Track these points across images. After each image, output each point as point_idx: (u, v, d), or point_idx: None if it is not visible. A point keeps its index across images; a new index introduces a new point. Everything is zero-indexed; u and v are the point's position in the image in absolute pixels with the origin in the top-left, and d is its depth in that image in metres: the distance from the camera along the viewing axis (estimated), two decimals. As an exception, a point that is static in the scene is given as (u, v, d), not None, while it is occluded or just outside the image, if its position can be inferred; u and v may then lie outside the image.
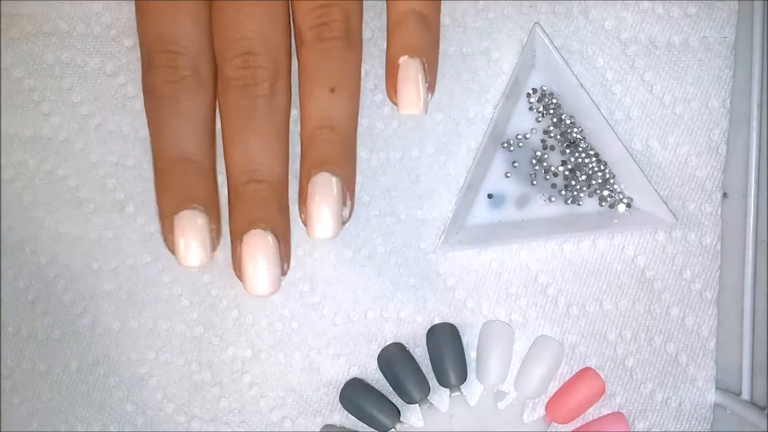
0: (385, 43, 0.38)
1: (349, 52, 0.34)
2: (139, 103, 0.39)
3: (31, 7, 0.39)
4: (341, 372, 0.39)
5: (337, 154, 0.33)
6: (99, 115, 0.39)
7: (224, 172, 0.35)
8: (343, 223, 0.33)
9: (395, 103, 0.34)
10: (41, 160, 0.39)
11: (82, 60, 0.39)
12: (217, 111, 0.35)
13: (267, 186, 0.33)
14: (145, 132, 0.39)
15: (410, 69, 0.33)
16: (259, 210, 0.33)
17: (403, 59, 0.33)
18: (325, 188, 0.32)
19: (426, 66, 0.34)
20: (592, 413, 0.39)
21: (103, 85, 0.39)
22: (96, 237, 0.39)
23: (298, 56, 0.35)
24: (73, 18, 0.39)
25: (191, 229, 0.32)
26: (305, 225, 0.33)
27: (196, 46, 0.34)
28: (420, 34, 0.34)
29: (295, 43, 0.35)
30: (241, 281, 0.33)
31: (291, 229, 0.35)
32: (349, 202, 0.34)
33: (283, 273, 0.33)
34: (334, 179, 0.33)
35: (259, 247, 0.32)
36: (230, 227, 0.34)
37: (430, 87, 0.34)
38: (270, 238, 0.32)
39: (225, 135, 0.34)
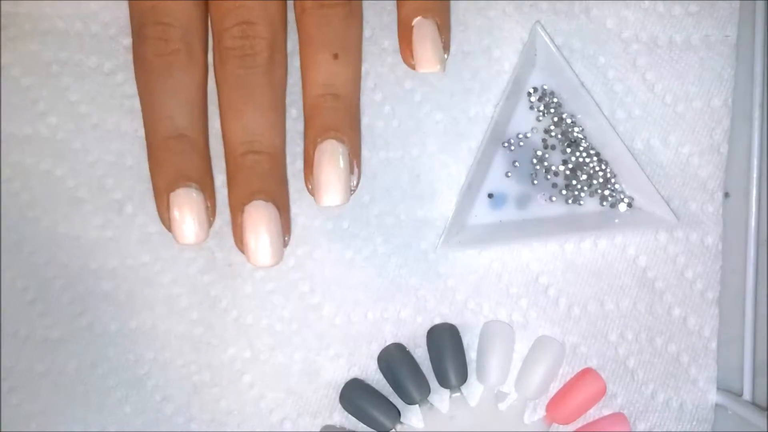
0: (384, 42, 0.39)
1: (351, 19, 0.34)
2: (137, 102, 0.38)
3: (29, 6, 0.39)
4: (341, 373, 0.39)
5: (343, 121, 0.33)
6: (97, 115, 0.39)
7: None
8: (352, 191, 0.34)
9: (411, 66, 0.34)
10: (39, 160, 0.39)
11: (79, 59, 0.39)
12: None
13: (266, 157, 0.33)
14: (143, 131, 0.39)
15: (425, 29, 0.33)
16: (259, 181, 0.33)
17: (417, 20, 0.33)
18: (332, 156, 0.33)
19: (440, 26, 0.33)
20: (593, 414, 0.39)
21: (101, 84, 0.39)
22: (94, 237, 0.39)
23: (298, 23, 0.34)
24: (70, 17, 0.39)
25: (187, 207, 0.33)
26: (312, 194, 0.33)
27: (188, 18, 0.33)
28: None
29: (295, 11, 0.35)
30: (243, 252, 0.33)
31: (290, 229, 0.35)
32: (356, 170, 0.34)
33: (285, 244, 0.34)
34: (340, 146, 0.33)
35: (261, 218, 0.32)
36: (230, 199, 0.34)
37: (445, 47, 0.34)
38: (271, 209, 0.33)
39: (222, 106, 0.34)
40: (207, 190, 0.34)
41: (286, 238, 0.34)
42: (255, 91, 0.33)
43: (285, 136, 0.34)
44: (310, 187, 0.34)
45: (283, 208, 0.33)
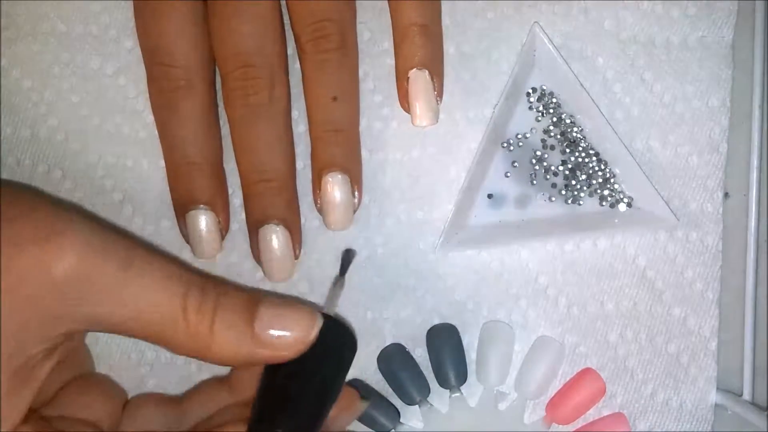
0: (384, 44, 0.39)
1: (346, 61, 0.37)
2: (139, 104, 0.39)
3: (30, 7, 0.39)
4: (341, 373, 0.39)
5: (343, 153, 0.37)
6: (98, 116, 0.39)
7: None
8: (354, 211, 0.38)
9: (408, 113, 0.37)
10: (38, 161, 0.39)
11: (81, 60, 0.39)
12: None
13: (276, 184, 0.37)
14: (143, 133, 0.39)
15: (419, 83, 0.36)
16: (270, 206, 0.37)
17: (411, 73, 0.36)
18: (336, 188, 0.37)
19: (433, 76, 0.36)
20: (592, 414, 0.39)
21: (103, 85, 0.39)
22: (95, 238, 0.39)
23: (300, 62, 0.38)
24: (71, 18, 0.39)
25: (199, 228, 0.37)
26: (321, 213, 0.38)
27: (186, 57, 0.36)
28: (424, 46, 0.36)
29: (296, 48, 0.37)
30: (262, 269, 0.38)
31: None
32: (357, 194, 0.38)
33: (296, 257, 0.38)
34: (342, 177, 0.37)
35: (272, 240, 0.37)
36: (247, 221, 0.38)
37: (438, 94, 0.37)
38: (281, 231, 0.37)
39: (234, 140, 0.37)
40: (217, 207, 0.37)
41: (297, 252, 0.38)
42: (260, 126, 0.36)
43: (293, 159, 0.38)
44: (318, 208, 0.38)
45: (292, 226, 0.37)
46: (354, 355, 0.33)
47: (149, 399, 0.36)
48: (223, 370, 0.37)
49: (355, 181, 0.37)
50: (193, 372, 0.39)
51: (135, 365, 0.39)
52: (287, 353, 0.31)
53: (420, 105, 0.36)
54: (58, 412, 0.33)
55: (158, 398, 0.36)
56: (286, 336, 0.31)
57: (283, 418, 0.31)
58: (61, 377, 0.34)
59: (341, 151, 0.37)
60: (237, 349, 0.31)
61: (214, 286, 0.31)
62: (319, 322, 0.31)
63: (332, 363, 0.32)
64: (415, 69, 0.36)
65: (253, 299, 0.32)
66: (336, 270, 0.37)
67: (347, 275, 0.36)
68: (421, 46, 0.36)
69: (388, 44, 0.39)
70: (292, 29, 0.37)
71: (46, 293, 0.29)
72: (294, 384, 0.31)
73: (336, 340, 0.32)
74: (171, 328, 0.30)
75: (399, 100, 0.37)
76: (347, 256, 0.37)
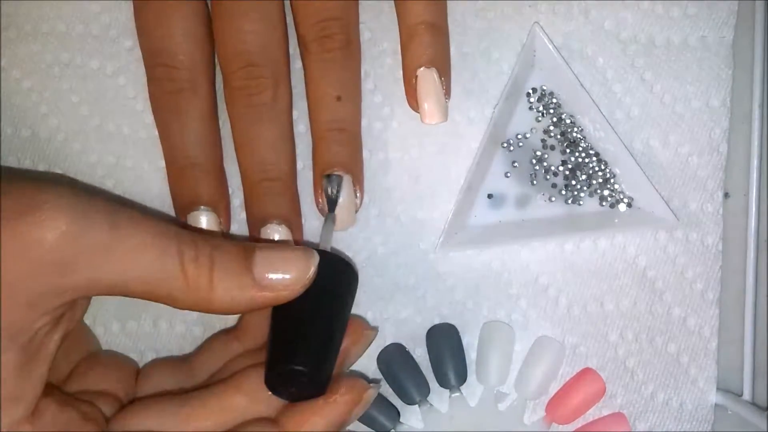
0: (383, 44, 0.39)
1: (350, 61, 0.37)
2: (139, 104, 0.39)
3: (30, 8, 0.39)
4: (341, 373, 0.39)
5: (346, 152, 0.37)
6: (98, 116, 0.39)
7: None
8: (356, 211, 0.38)
9: (416, 112, 0.37)
10: (38, 161, 0.39)
11: (81, 60, 0.39)
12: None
13: (278, 183, 0.37)
14: (143, 133, 0.39)
15: (428, 81, 0.36)
16: (272, 205, 0.37)
17: (420, 71, 0.36)
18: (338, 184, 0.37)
19: (441, 74, 0.36)
20: (592, 414, 0.39)
21: (103, 85, 0.39)
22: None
23: (303, 61, 0.37)
24: (71, 18, 0.39)
25: (201, 228, 0.37)
26: (323, 215, 0.37)
27: (190, 58, 0.36)
28: (433, 45, 0.36)
29: (299, 47, 0.37)
30: None
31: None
32: (359, 194, 0.38)
33: None
34: (345, 177, 0.37)
35: (274, 238, 0.37)
36: (248, 221, 0.38)
37: (447, 93, 0.37)
38: (283, 231, 0.37)
39: (235, 140, 0.37)
40: (218, 208, 0.38)
41: None
42: (263, 126, 0.37)
43: (294, 158, 0.38)
44: (320, 208, 0.37)
45: (294, 225, 0.37)
46: (356, 284, 0.34)
47: (160, 364, 0.37)
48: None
49: (357, 180, 0.37)
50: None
51: (135, 364, 0.39)
52: (288, 293, 0.31)
53: (430, 103, 0.36)
54: (74, 388, 0.34)
55: (169, 362, 0.37)
56: (285, 277, 0.31)
57: (297, 355, 0.31)
58: (70, 358, 0.35)
59: (345, 150, 0.37)
60: (239, 296, 0.31)
61: (206, 239, 0.31)
62: (315, 259, 0.32)
63: (335, 295, 0.33)
64: (423, 67, 0.36)
65: (248, 247, 0.32)
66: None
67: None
68: (430, 44, 0.36)
69: (387, 44, 0.39)
70: (296, 29, 0.37)
71: (41, 263, 0.29)
72: (301, 321, 0.32)
73: (335, 272, 0.33)
74: (170, 284, 0.30)
75: (407, 98, 0.37)
76: (329, 185, 0.37)
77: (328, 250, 0.34)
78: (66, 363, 0.35)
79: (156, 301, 0.31)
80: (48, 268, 0.29)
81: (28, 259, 0.29)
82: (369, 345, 0.36)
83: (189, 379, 0.36)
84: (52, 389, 0.32)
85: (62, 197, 0.29)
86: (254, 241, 0.37)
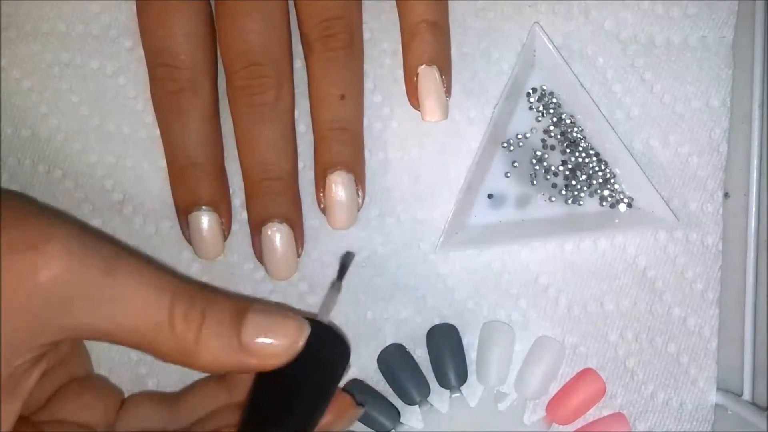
0: (383, 44, 0.39)
1: (353, 60, 0.37)
2: (139, 104, 0.39)
3: (30, 8, 0.39)
4: (341, 373, 0.39)
5: (349, 152, 0.37)
6: (98, 116, 0.39)
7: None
8: (357, 210, 0.38)
9: (417, 109, 0.37)
10: (38, 161, 0.39)
11: (81, 60, 0.39)
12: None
13: (279, 182, 0.37)
14: (144, 133, 0.39)
15: (429, 79, 0.36)
16: (274, 204, 0.37)
17: (421, 69, 0.36)
18: (340, 183, 0.37)
19: (442, 72, 0.36)
20: (592, 414, 0.39)
21: (103, 85, 0.39)
22: (95, 238, 0.39)
23: (306, 60, 0.37)
24: (71, 18, 0.39)
25: (202, 228, 0.37)
26: (325, 213, 0.37)
27: (192, 58, 0.36)
28: (435, 43, 0.36)
29: (302, 46, 0.37)
30: (264, 268, 0.38)
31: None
32: (361, 193, 0.38)
33: (298, 255, 0.38)
34: (347, 176, 0.37)
35: (276, 238, 0.37)
36: (249, 220, 0.38)
37: (447, 91, 0.37)
38: (285, 229, 0.37)
39: (237, 139, 0.37)
40: (220, 208, 0.38)
41: (300, 250, 0.38)
42: (265, 125, 0.37)
43: (296, 158, 0.38)
44: (322, 207, 0.38)
45: (295, 225, 0.37)
46: (347, 363, 0.33)
47: (145, 398, 0.36)
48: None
49: (359, 180, 0.37)
50: (194, 371, 0.39)
51: (135, 365, 0.39)
52: (275, 361, 0.31)
53: (431, 101, 0.36)
54: (52, 416, 0.33)
55: (155, 397, 0.36)
56: (274, 344, 0.31)
57: (272, 426, 0.30)
58: (53, 382, 0.34)
59: (347, 150, 0.37)
60: (224, 358, 0.30)
61: (202, 294, 0.31)
62: (306, 331, 0.31)
63: (322, 371, 0.32)
64: (424, 65, 0.36)
65: (241, 307, 0.31)
66: (335, 272, 0.37)
67: (345, 280, 0.36)
68: (431, 42, 0.36)
69: (387, 44, 0.39)
70: (300, 28, 0.37)
71: (33, 301, 0.28)
72: (283, 392, 0.31)
73: (327, 347, 0.32)
74: (157, 337, 0.30)
75: (408, 96, 0.37)
76: (346, 260, 0.37)
77: (326, 321, 0.34)
78: (47, 388, 0.34)
79: (140, 350, 0.31)
80: (38, 307, 0.29)
81: (18, 295, 0.28)
82: (353, 423, 0.35)
83: (173, 420, 0.35)
84: (22, 423, 0.31)
85: (65, 238, 0.29)
86: (256, 241, 0.37)
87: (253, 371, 0.31)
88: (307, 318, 0.32)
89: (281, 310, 0.32)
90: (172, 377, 0.39)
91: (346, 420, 0.34)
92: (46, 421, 0.33)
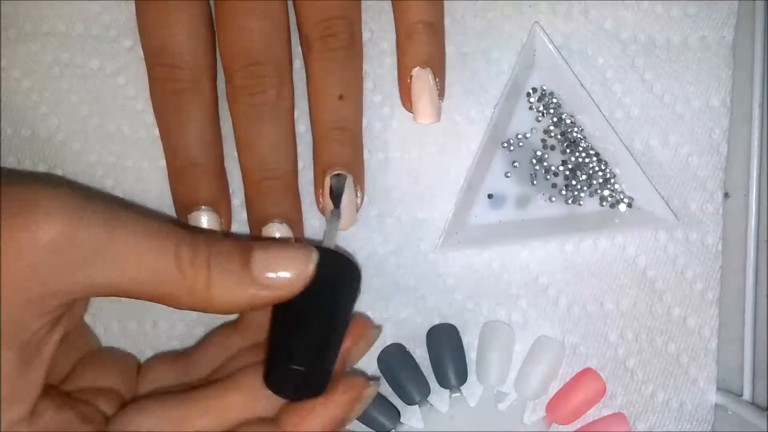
0: (383, 44, 0.39)
1: (353, 60, 0.37)
2: (139, 104, 0.39)
3: (30, 8, 0.39)
4: (341, 373, 0.39)
5: (348, 153, 0.37)
6: (98, 116, 0.39)
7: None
8: (357, 210, 0.38)
9: (410, 111, 0.37)
10: (38, 161, 0.39)
11: (81, 60, 0.39)
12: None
13: (279, 182, 0.37)
14: (143, 133, 0.39)
15: (423, 81, 0.36)
16: (274, 204, 0.37)
17: (415, 71, 0.36)
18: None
19: (436, 74, 0.37)
20: (592, 414, 0.39)
21: (103, 85, 0.39)
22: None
23: (305, 60, 0.37)
24: (71, 18, 0.39)
25: (202, 228, 0.37)
26: (324, 213, 0.37)
27: (193, 57, 0.36)
28: (430, 44, 0.36)
29: (300, 45, 0.37)
30: None
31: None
32: (360, 194, 0.38)
33: None
34: (347, 177, 0.37)
35: (275, 238, 0.36)
36: (249, 220, 0.38)
37: (440, 93, 0.37)
38: (285, 229, 0.37)
39: (237, 138, 0.37)
40: (219, 208, 0.37)
41: None
42: (265, 125, 0.36)
43: (296, 157, 0.38)
44: (321, 208, 0.37)
45: (295, 224, 0.37)
46: (359, 282, 0.33)
47: (160, 359, 0.37)
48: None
49: (358, 180, 0.37)
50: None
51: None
52: (288, 292, 0.31)
53: (424, 103, 0.36)
54: (75, 386, 0.34)
55: (169, 357, 0.37)
56: (284, 275, 0.31)
57: (296, 354, 0.31)
58: (70, 357, 0.35)
59: (346, 150, 0.37)
60: (237, 296, 0.31)
61: (205, 239, 0.31)
62: (314, 257, 0.32)
63: (336, 293, 0.32)
64: (418, 67, 0.36)
65: (246, 245, 0.32)
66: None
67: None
68: (427, 44, 0.36)
69: (387, 44, 0.39)
70: (299, 27, 0.37)
71: (38, 264, 0.29)
72: (301, 320, 0.32)
73: (337, 270, 0.33)
74: (168, 285, 0.30)
75: (401, 97, 0.37)
76: (337, 185, 0.37)
77: (332, 247, 0.34)
78: (66, 361, 0.35)
79: (155, 301, 0.31)
80: (45, 270, 0.29)
81: (24, 260, 0.29)
82: (372, 344, 0.36)
83: (189, 373, 0.36)
84: (50, 390, 0.32)
85: (58, 198, 0.29)
86: (256, 240, 0.37)
87: (268, 305, 0.32)
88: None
89: (286, 242, 0.32)
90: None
91: (366, 341, 0.35)
92: (72, 390, 0.34)
